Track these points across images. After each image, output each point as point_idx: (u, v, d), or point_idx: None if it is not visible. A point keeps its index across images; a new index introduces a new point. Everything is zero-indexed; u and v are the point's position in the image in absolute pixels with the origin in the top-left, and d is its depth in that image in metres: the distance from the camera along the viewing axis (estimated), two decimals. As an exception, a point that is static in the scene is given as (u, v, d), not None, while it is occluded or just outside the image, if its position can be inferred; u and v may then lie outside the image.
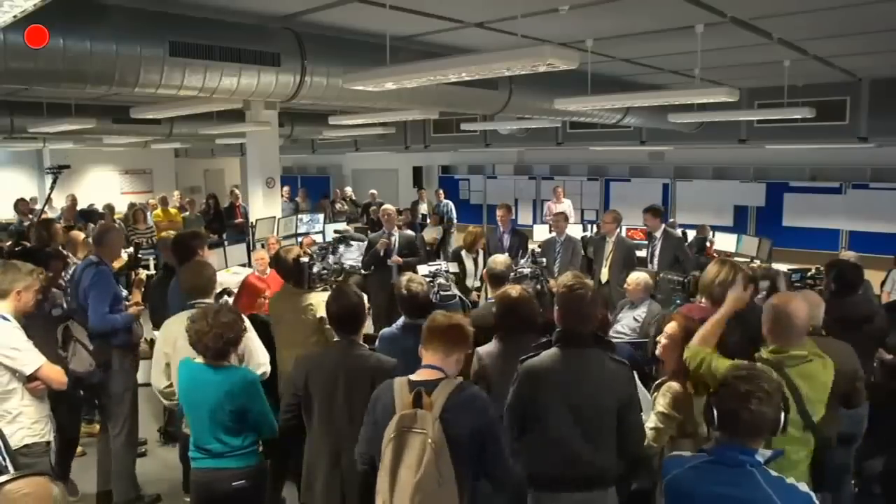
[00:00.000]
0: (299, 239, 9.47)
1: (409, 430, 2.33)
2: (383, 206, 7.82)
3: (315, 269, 4.11)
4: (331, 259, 4.64)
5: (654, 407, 2.94)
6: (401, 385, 2.47)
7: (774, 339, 2.76)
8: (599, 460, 2.67)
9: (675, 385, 2.92)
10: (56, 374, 3.25)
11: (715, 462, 2.10)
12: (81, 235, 5.92)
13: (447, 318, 2.60)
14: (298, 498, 4.06)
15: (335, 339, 3.18)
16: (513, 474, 2.55)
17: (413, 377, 2.50)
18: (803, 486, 2.05)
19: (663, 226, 7.03)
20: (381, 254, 7.01)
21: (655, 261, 6.79)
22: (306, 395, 3.00)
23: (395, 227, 7.32)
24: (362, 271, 7.96)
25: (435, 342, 2.54)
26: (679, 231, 8.49)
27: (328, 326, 3.79)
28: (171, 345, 3.48)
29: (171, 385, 3.49)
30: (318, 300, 3.91)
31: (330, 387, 2.93)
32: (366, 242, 7.52)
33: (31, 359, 3.12)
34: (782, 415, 2.12)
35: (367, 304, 3.39)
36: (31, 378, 3.14)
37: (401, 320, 3.74)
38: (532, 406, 2.72)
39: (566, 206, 11.72)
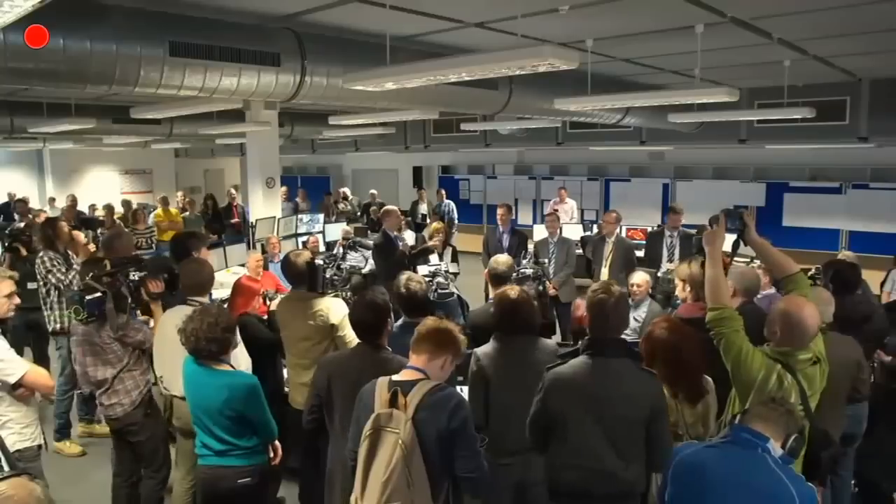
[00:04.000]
0: (301, 239, 9.47)
1: (383, 429, 2.36)
2: (385, 209, 7.73)
3: (327, 274, 4.06)
4: (343, 265, 4.62)
5: None
6: (381, 384, 2.49)
7: (783, 342, 2.74)
8: (629, 474, 2.62)
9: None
10: (42, 380, 3.22)
11: (730, 443, 2.16)
12: (83, 236, 5.92)
13: (436, 322, 2.60)
14: (298, 497, 4.09)
15: (357, 343, 3.15)
16: (486, 476, 2.54)
17: (395, 377, 2.51)
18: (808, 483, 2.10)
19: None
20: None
21: (675, 259, 6.98)
22: (328, 399, 2.99)
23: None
24: (363, 272, 7.95)
25: (422, 344, 2.54)
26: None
27: (340, 334, 3.79)
28: (162, 335, 3.61)
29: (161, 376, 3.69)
30: (328, 305, 3.90)
31: (353, 390, 2.89)
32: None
33: (14, 367, 3.08)
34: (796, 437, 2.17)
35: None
36: (16, 386, 3.10)
37: (400, 319, 3.74)
38: (558, 417, 2.66)
39: (570, 206, 11.72)
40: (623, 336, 4.53)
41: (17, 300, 3.35)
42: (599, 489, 2.61)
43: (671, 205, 7.42)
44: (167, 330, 3.54)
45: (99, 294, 3.56)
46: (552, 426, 2.69)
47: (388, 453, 2.32)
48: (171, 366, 3.53)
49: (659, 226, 10.33)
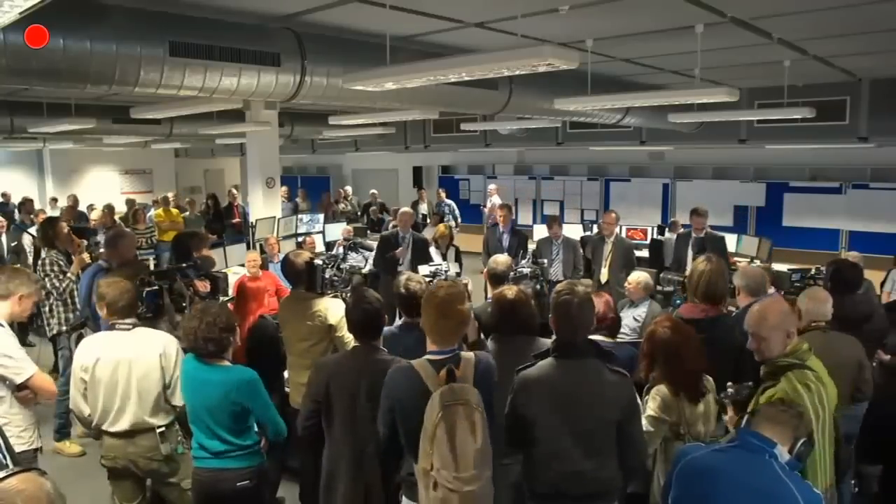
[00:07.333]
0: (300, 239, 9.47)
1: (455, 405, 2.39)
2: (401, 210, 7.80)
3: (327, 275, 4.07)
4: (343, 266, 4.63)
5: (645, 411, 2.93)
6: (421, 365, 2.53)
7: (763, 350, 2.73)
8: (602, 474, 2.62)
9: (663, 388, 2.92)
10: (47, 384, 3.23)
11: (737, 447, 2.16)
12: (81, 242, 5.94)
13: (446, 311, 2.58)
14: (299, 497, 4.09)
15: (354, 345, 3.15)
16: None
17: (431, 357, 2.56)
18: (815, 488, 2.09)
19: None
20: (400, 261, 7.02)
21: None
22: (327, 401, 2.98)
23: (409, 230, 7.33)
24: (363, 272, 7.98)
25: (442, 333, 2.58)
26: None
27: (339, 334, 3.80)
28: (89, 366, 3.19)
29: (90, 414, 3.23)
30: (326, 306, 3.91)
31: (352, 391, 2.93)
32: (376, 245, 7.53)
33: (23, 367, 3.09)
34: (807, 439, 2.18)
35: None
36: (22, 387, 3.10)
37: (401, 320, 3.74)
38: (529, 420, 2.66)
39: (497, 201, 12.17)
40: (624, 335, 4.52)
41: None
42: (574, 490, 2.61)
43: (694, 207, 7.41)
44: (98, 366, 3.18)
45: (156, 287, 3.60)
46: (524, 428, 2.68)
47: (469, 423, 2.38)
48: (106, 399, 3.20)
49: (663, 224, 10.39)
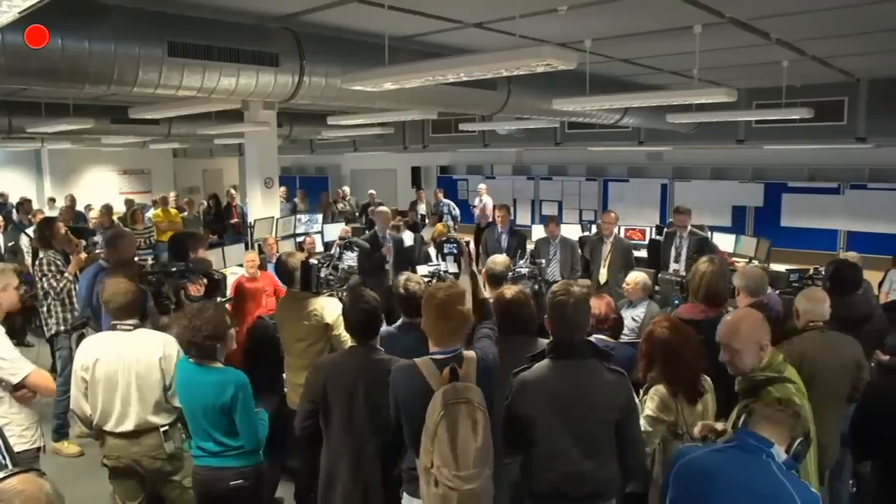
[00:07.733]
0: (299, 239, 9.46)
1: (456, 403, 2.41)
2: (378, 209, 7.82)
3: (322, 274, 4.08)
4: (339, 265, 4.61)
5: (643, 410, 2.93)
6: (424, 364, 2.54)
7: (736, 363, 2.67)
8: (602, 475, 2.63)
9: (662, 388, 2.92)
10: (45, 382, 3.21)
11: (734, 447, 2.16)
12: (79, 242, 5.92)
13: (441, 314, 2.61)
14: (294, 497, 4.10)
15: (350, 345, 3.16)
16: None
17: (434, 357, 2.57)
18: (812, 488, 2.09)
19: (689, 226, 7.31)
20: (387, 259, 7.00)
21: (682, 259, 6.98)
22: (324, 401, 2.98)
23: (388, 230, 7.32)
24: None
25: (448, 337, 2.61)
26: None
27: (335, 333, 3.80)
28: (89, 365, 3.17)
29: (91, 413, 3.21)
30: (323, 305, 3.91)
31: (350, 391, 2.93)
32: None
33: (19, 367, 3.09)
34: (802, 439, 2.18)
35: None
36: (19, 386, 3.10)
37: (400, 320, 3.74)
38: (528, 421, 2.66)
39: (487, 202, 12.28)
40: (623, 335, 4.49)
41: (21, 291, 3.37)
42: (575, 490, 2.61)
43: (677, 205, 7.45)
44: (98, 366, 3.16)
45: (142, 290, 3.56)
46: (523, 429, 2.68)
47: (471, 422, 2.40)
48: (106, 399, 3.18)
49: (661, 225, 10.39)
